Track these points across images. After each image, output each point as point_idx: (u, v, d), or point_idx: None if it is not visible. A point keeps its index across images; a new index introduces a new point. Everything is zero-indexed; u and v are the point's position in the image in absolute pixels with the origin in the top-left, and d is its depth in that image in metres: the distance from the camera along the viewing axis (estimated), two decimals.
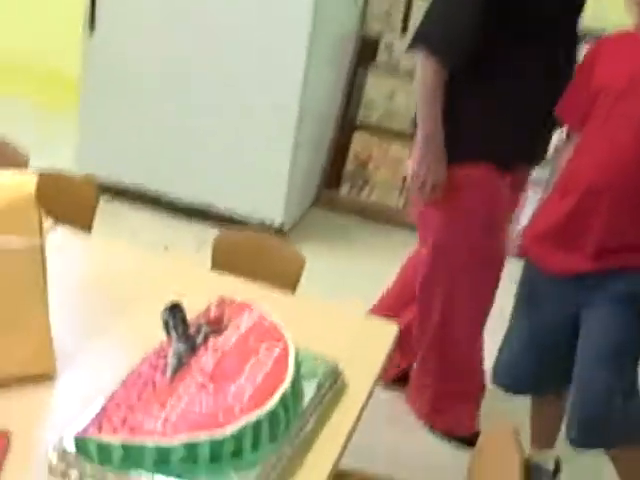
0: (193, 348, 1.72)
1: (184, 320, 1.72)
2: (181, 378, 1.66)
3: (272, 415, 1.62)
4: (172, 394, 1.62)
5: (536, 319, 2.59)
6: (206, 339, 1.77)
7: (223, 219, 4.10)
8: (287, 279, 2.35)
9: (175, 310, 1.70)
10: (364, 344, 2.06)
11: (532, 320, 2.61)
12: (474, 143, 2.70)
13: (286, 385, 1.68)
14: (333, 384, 1.85)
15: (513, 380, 2.72)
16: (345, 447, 1.75)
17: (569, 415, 2.55)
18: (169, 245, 3.94)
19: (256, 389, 1.65)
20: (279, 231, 4.14)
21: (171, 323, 1.69)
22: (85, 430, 1.55)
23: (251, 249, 2.45)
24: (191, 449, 1.53)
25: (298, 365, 1.77)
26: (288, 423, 1.68)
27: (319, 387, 1.80)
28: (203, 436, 1.54)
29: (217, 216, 4.17)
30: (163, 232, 4.09)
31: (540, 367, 2.65)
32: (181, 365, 1.68)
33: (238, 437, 1.57)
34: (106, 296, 2.06)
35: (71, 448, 1.55)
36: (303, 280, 2.37)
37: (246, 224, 4.10)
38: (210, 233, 2.63)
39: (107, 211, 3.06)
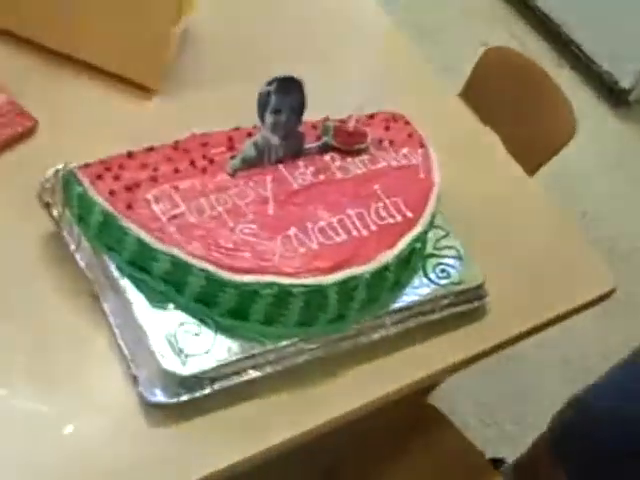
0: (287, 155, 1.18)
1: (297, 108, 1.17)
2: (245, 179, 1.14)
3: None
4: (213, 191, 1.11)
5: None
6: (321, 152, 1.23)
7: None
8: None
9: (288, 86, 1.15)
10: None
11: None
12: None
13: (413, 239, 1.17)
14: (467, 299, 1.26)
15: None
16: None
17: None
18: None
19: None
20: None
21: (273, 102, 1.14)
22: (81, 169, 1.10)
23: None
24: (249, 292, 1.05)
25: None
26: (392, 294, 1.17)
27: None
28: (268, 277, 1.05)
29: None
30: None
31: None
32: (252, 164, 1.16)
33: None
34: None
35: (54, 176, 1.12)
36: None
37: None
38: None
39: None
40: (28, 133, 1.22)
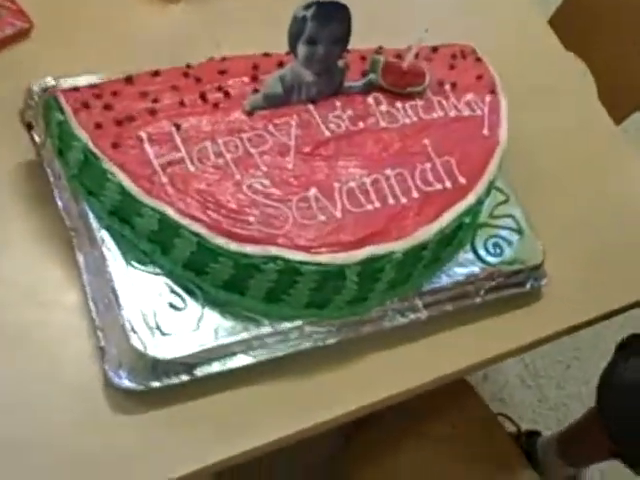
0: (321, 94, 0.96)
1: (339, 39, 0.94)
2: (264, 119, 0.94)
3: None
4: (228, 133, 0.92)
5: None
6: (365, 92, 1.01)
7: None
8: None
9: (330, 13, 0.91)
10: None
11: None
12: None
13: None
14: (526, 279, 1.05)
15: None
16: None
17: None
18: None
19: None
20: None
21: (308, 30, 0.90)
22: (65, 93, 0.91)
23: None
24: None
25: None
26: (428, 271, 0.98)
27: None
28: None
29: None
30: None
31: None
32: (277, 103, 0.95)
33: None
34: None
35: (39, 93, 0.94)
36: None
37: None
38: None
39: None
40: (21, 35, 1.02)
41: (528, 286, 1.06)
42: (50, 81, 0.95)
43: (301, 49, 0.92)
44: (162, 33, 1.09)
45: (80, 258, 0.89)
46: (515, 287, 1.05)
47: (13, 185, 0.93)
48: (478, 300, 1.01)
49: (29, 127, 0.94)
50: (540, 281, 1.07)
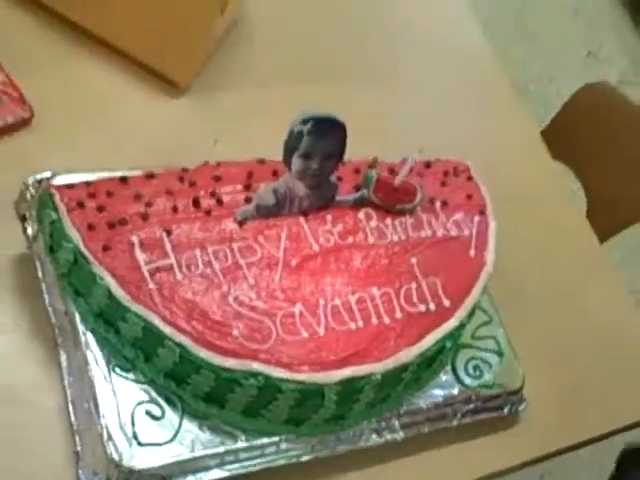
0: (313, 207, 0.97)
1: (333, 154, 0.95)
2: (254, 231, 0.95)
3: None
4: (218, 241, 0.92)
5: None
6: (356, 206, 1.02)
7: None
8: None
9: (326, 128, 0.92)
10: None
11: None
12: None
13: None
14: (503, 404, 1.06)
15: None
16: None
17: None
18: None
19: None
20: None
21: (304, 144, 0.92)
22: (60, 191, 0.91)
23: None
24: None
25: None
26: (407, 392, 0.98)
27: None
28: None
29: None
30: None
31: None
32: (268, 214, 0.96)
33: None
34: None
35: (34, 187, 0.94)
36: None
37: None
38: None
39: None
40: (22, 124, 1.03)
41: (506, 410, 1.06)
42: (47, 175, 0.95)
43: (295, 162, 0.93)
44: (162, 127, 1.11)
45: (63, 357, 0.88)
46: (492, 411, 1.05)
47: (1, 276, 0.93)
48: (455, 423, 1.02)
49: (23, 219, 0.95)
50: (518, 406, 1.07)
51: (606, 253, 1.38)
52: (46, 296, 0.91)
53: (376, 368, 0.90)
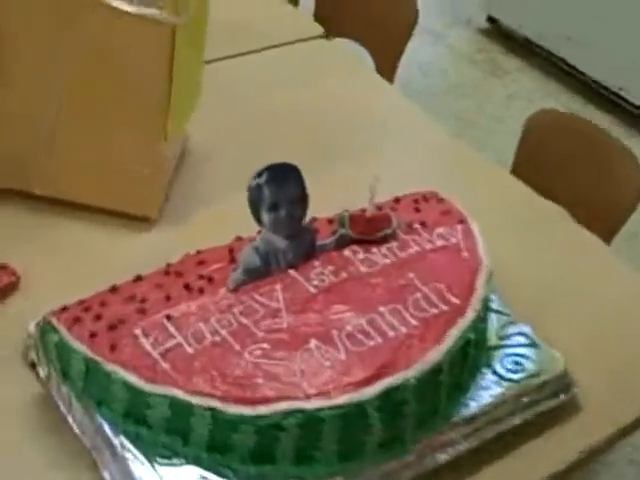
0: (298, 257, 0.99)
1: (297, 198, 0.98)
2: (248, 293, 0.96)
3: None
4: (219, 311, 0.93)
5: None
6: (339, 246, 1.04)
7: None
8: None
9: (282, 175, 0.96)
10: None
11: None
12: None
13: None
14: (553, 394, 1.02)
15: None
16: None
17: None
18: None
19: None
20: None
21: (267, 196, 0.95)
22: (56, 314, 0.93)
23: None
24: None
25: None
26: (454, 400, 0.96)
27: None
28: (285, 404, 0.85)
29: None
30: None
31: None
32: (258, 275, 0.98)
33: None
34: None
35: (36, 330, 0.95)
36: None
37: None
38: None
39: None
40: (11, 288, 1.07)
41: (562, 396, 1.03)
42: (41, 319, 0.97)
43: (265, 217, 0.96)
44: (139, 255, 1.13)
45: (106, 474, 0.87)
46: (549, 399, 1.02)
47: (27, 420, 0.94)
48: (517, 420, 0.99)
49: (33, 365, 0.96)
50: (572, 389, 1.04)
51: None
52: (73, 425, 0.91)
53: (408, 373, 0.89)
